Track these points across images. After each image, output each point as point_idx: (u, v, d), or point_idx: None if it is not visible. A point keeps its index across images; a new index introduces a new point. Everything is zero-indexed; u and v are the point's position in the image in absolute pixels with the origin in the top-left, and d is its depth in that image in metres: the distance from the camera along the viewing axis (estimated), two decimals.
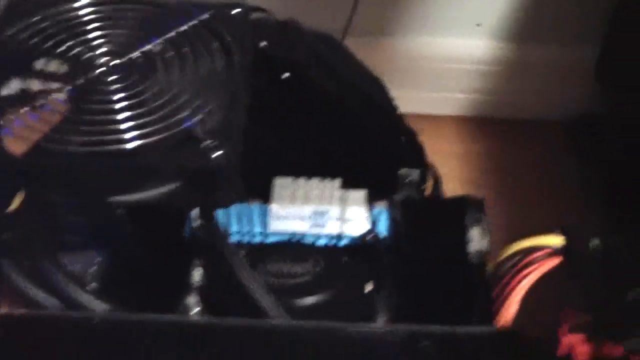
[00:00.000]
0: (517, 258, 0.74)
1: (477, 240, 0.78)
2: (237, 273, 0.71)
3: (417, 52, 1.31)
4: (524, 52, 1.30)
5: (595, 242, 0.73)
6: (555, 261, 0.73)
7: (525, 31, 1.28)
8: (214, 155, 0.67)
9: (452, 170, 1.27)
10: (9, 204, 0.70)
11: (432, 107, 1.34)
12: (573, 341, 0.69)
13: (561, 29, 1.27)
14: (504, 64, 1.31)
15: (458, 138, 1.34)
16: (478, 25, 1.28)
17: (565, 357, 0.69)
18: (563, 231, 0.73)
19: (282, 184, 0.80)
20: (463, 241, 0.77)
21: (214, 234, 0.73)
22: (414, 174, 0.85)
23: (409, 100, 1.31)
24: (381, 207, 0.80)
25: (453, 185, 1.24)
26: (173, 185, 0.70)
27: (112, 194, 0.70)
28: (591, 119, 1.30)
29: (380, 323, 0.74)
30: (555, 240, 0.74)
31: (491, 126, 1.35)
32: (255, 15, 0.85)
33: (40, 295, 0.69)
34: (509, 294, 0.73)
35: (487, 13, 1.27)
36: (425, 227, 0.80)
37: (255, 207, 0.79)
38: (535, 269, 0.73)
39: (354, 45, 1.18)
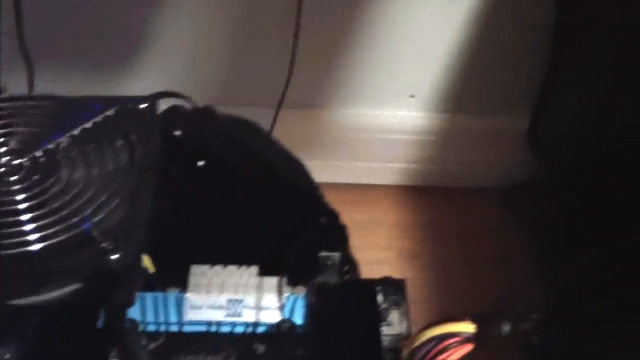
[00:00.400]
0: (431, 344, 0.74)
1: (396, 323, 0.78)
2: None
3: (353, 124, 1.32)
4: (457, 122, 1.32)
5: (506, 328, 0.73)
6: (467, 348, 0.73)
7: (458, 102, 1.30)
8: (112, 257, 0.67)
9: (389, 240, 1.28)
10: None
11: (368, 177, 1.35)
12: None
13: (493, 100, 1.29)
14: (438, 134, 1.32)
15: (394, 208, 1.34)
16: (411, 96, 1.30)
17: None
18: (473, 319, 0.73)
19: (198, 272, 0.80)
20: (381, 325, 0.77)
21: (121, 331, 0.72)
22: (335, 256, 0.85)
23: (345, 170, 1.33)
24: (298, 293, 0.79)
25: (390, 255, 1.25)
26: (77, 285, 0.69)
27: (16, 296, 0.69)
28: (526, 186, 1.32)
29: None
30: (468, 327, 0.73)
31: (427, 195, 1.36)
32: (172, 101, 0.85)
33: None
34: None
35: (420, 85, 1.29)
36: (344, 312, 0.80)
37: (171, 295, 0.78)
38: (448, 357, 0.73)
39: (289, 117, 1.19)
